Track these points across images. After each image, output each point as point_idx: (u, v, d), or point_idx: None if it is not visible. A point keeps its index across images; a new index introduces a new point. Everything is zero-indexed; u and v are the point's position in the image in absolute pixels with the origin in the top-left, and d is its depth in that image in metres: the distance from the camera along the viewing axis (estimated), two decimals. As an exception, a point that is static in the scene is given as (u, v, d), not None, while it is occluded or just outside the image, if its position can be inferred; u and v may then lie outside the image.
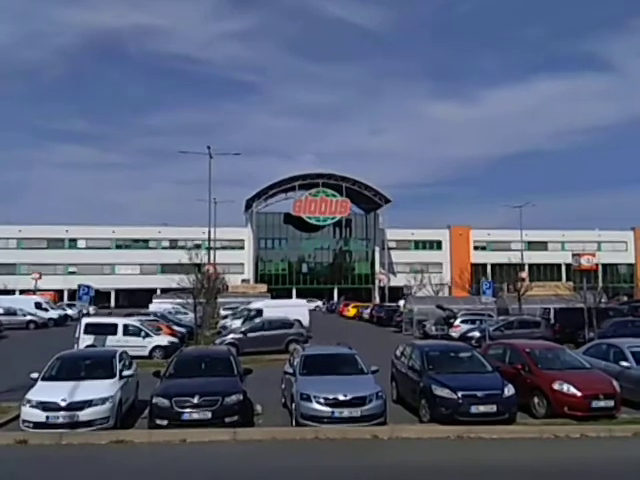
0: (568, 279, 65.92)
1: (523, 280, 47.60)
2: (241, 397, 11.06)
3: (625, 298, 60.79)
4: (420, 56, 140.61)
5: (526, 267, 68.28)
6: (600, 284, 48.76)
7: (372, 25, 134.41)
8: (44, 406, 10.58)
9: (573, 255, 52.43)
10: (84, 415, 10.58)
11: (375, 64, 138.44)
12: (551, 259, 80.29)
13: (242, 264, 75.26)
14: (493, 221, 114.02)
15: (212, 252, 40.74)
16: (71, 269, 72.23)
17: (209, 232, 41.32)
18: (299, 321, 27.06)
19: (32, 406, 10.67)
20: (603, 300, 27.67)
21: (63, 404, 10.58)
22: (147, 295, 52.60)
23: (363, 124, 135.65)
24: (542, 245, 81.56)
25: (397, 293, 61.84)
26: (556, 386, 12.04)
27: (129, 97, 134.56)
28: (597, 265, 61.05)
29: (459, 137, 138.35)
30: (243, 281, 68.45)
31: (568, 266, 70.26)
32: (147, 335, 22.83)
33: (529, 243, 76.72)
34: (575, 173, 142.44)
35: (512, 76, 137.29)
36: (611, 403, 11.88)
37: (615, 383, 12.30)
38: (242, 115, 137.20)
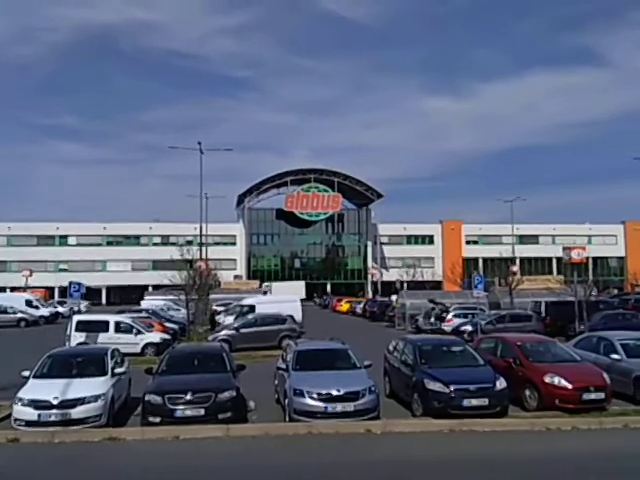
0: (559, 272, 66.16)
1: (514, 274, 47.66)
2: (234, 393, 11.04)
3: (615, 291, 61.26)
4: (414, 50, 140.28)
5: (517, 261, 68.47)
6: (590, 277, 49.14)
7: (366, 19, 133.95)
8: (36, 404, 10.53)
9: (564, 249, 52.58)
10: (76, 413, 10.54)
11: (369, 58, 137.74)
12: (542, 253, 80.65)
13: (234, 260, 75.10)
14: (485, 216, 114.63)
15: (204, 248, 40.58)
16: (62, 266, 71.77)
17: (200, 228, 41.18)
18: (292, 317, 27.07)
19: (24, 404, 10.62)
20: (593, 293, 27.93)
21: (55, 402, 10.54)
22: (139, 292, 52.39)
23: (358, 118, 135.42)
24: (533, 239, 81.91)
25: (389, 288, 62.01)
26: (547, 379, 12.12)
27: (122, 93, 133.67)
28: (587, 258, 61.38)
29: (453, 131, 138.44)
30: (235, 277, 68.31)
31: (559, 260, 70.51)
32: (139, 332, 22.74)
33: (520, 237, 77.07)
34: (566, 167, 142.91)
35: (507, 70, 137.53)
36: (602, 395, 11.98)
37: (605, 376, 12.39)
38: (236, 111, 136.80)
